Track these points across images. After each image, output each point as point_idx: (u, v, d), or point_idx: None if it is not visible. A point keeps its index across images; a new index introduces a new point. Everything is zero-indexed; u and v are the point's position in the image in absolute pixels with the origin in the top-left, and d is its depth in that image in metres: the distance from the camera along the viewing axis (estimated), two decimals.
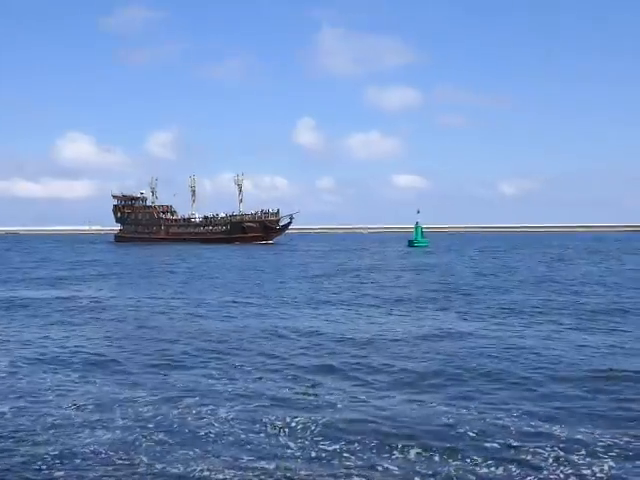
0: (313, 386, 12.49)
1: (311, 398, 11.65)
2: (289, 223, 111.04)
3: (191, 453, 9.04)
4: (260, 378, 13.16)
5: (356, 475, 8.29)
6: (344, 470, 8.43)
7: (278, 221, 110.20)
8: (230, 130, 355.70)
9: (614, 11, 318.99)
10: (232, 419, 10.49)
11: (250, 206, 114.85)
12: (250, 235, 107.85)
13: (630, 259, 56.86)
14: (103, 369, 14.14)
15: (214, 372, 13.71)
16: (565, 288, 31.05)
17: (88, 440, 9.52)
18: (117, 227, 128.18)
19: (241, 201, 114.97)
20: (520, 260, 56.76)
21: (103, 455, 8.99)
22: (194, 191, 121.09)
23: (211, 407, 11.14)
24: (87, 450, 9.16)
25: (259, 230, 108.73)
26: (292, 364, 14.37)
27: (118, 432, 9.88)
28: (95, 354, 15.72)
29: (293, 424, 10.17)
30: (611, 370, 13.51)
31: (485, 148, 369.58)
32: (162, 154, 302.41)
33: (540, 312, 22.28)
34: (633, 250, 75.72)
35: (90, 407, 11.22)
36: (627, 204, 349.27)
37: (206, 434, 9.78)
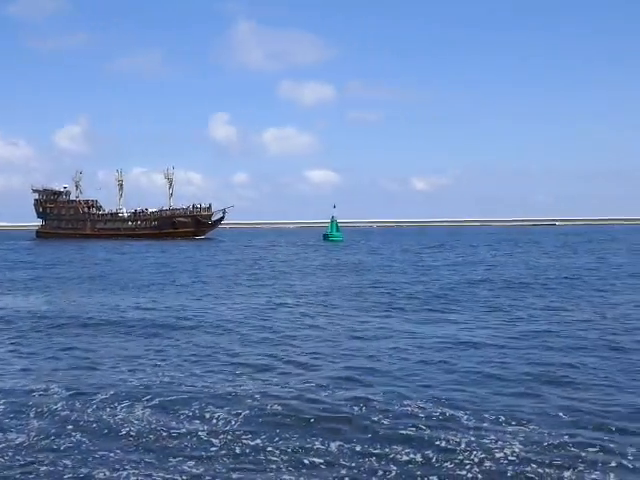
0: (229, 379, 12.31)
1: (229, 391, 11.46)
2: (222, 218, 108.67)
3: (113, 455, 8.66)
4: (173, 373, 12.87)
5: (285, 470, 8.19)
6: (273, 466, 8.30)
7: (210, 216, 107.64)
8: (142, 124, 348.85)
9: (529, 11, 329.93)
10: (150, 415, 10.17)
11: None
12: (181, 230, 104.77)
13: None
14: (12, 368, 13.54)
15: (125, 368, 13.35)
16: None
17: (2, 445, 9.00)
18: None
19: (171, 195, 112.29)
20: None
21: (21, 461, 8.47)
22: (121, 185, 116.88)
23: (127, 403, 10.79)
24: (3, 456, 8.63)
25: (191, 225, 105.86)
26: (204, 359, 14.20)
27: (33, 434, 9.38)
28: (6, 353, 15.14)
29: (214, 419, 9.98)
30: (509, 357, 14.14)
31: (398, 144, 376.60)
32: (71, 148, 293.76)
33: (443, 305, 23.04)
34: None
35: (1, 408, 10.66)
36: (534, 200, 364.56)
37: (126, 433, 9.43)
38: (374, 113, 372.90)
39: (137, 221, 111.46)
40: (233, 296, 25.88)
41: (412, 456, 8.55)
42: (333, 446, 8.94)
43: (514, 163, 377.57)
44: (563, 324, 18.13)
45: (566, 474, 7.94)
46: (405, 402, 10.80)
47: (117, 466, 8.36)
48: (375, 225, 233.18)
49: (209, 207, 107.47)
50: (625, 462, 8.26)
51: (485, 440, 9.02)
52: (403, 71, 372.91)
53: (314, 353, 14.75)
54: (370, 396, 11.11)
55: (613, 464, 8.20)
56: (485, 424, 9.70)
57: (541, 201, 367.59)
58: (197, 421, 9.98)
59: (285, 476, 8.09)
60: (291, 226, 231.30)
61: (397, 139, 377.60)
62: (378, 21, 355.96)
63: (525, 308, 21.49)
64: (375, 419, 9.94)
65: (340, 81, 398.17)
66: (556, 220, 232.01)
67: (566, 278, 31.88)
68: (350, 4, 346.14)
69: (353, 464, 8.37)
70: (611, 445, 8.79)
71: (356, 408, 10.48)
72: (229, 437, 9.30)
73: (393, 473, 8.11)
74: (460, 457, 8.50)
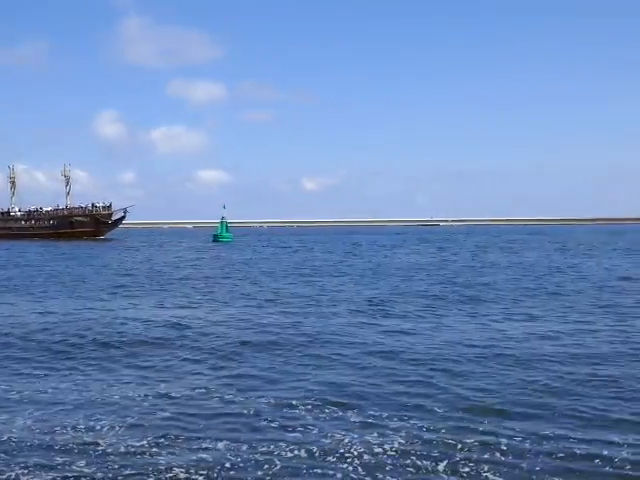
0: (114, 387, 12.45)
1: (114, 400, 11.61)
2: (122, 217, 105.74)
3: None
4: (53, 384, 12.81)
5: (174, 465, 8.61)
6: (162, 462, 8.71)
7: (110, 215, 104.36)
8: (23, 119, 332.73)
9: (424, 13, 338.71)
10: (32, 424, 10.21)
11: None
12: (80, 230, 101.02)
13: None
14: None
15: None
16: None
17: None
18: None
19: (68, 194, 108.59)
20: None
21: None
22: (14, 182, 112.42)
23: (5, 416, 10.71)
24: None
25: (90, 225, 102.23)
26: (83, 367, 14.18)
27: None
28: None
29: (98, 426, 10.17)
30: (391, 352, 14.93)
31: (288, 144, 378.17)
32: None
33: (331, 305, 23.47)
34: None
35: None
36: (419, 201, 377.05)
37: (8, 439, 9.52)
38: (265, 113, 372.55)
39: (31, 220, 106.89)
40: (115, 301, 25.40)
41: (296, 452, 9.12)
42: (220, 445, 9.39)
43: (401, 165, 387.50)
44: (448, 324, 18.92)
45: (441, 466, 8.63)
46: (293, 403, 11.33)
47: (3, 468, 8.54)
48: (266, 225, 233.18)
49: (109, 206, 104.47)
50: (498, 454, 9.03)
51: (368, 437, 9.66)
52: (294, 71, 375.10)
53: (198, 357, 15.06)
54: (258, 399, 11.60)
55: (486, 456, 8.96)
56: (369, 421, 10.37)
57: (425, 203, 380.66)
58: (81, 427, 10.18)
59: (175, 471, 8.49)
60: (189, 226, 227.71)
61: (288, 139, 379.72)
62: (270, 21, 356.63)
63: (404, 307, 22.14)
64: (263, 420, 10.47)
65: (231, 80, 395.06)
66: (440, 221, 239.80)
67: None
68: (242, 3, 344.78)
69: (239, 459, 8.87)
70: (486, 438, 9.59)
71: (244, 410, 10.96)
72: (114, 440, 9.59)
73: (277, 467, 8.66)
74: (342, 451, 9.12)
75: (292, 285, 31.05)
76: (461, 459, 8.79)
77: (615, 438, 9.44)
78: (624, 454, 8.88)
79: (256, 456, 8.92)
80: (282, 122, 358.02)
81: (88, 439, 9.55)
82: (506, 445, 9.24)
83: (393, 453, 9.01)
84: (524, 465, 8.60)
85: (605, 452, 8.93)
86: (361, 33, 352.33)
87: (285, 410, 10.89)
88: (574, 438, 9.45)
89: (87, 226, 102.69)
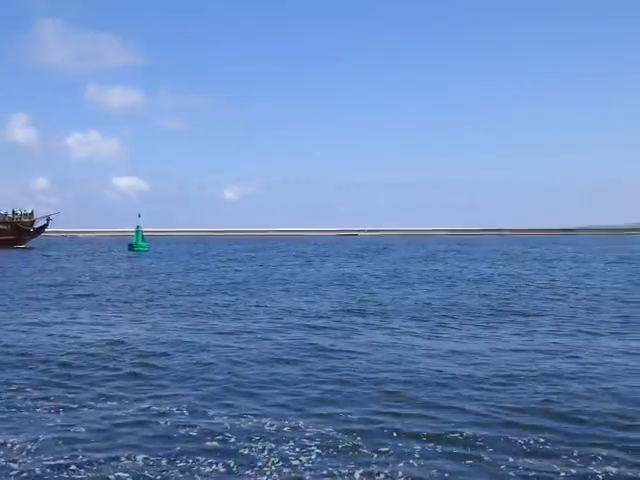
0: (19, 404, 12.16)
1: (24, 416, 11.41)
2: (46, 225, 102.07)
3: None
4: None
5: None
6: None
7: (33, 223, 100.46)
8: None
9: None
10: None
11: None
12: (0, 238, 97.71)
13: None
14: None
15: None
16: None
17: None
18: None
19: None
20: None
21: None
22: None
23: None
24: None
25: (10, 233, 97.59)
26: None
27: None
28: None
29: (9, 445, 9.98)
30: (310, 362, 15.15)
31: (207, 152, 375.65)
32: None
33: (237, 315, 23.83)
34: None
35: None
36: (339, 210, 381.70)
37: None
38: (184, 120, 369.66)
39: None
40: (28, 316, 24.48)
41: (215, 467, 9.21)
42: (139, 459, 9.41)
43: (318, 174, 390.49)
44: (362, 334, 19.40)
45: (357, 474, 8.88)
46: (210, 414, 11.44)
47: None
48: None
49: (31, 213, 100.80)
50: (412, 461, 9.36)
51: (285, 447, 9.85)
52: (212, 78, 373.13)
53: (113, 373, 14.81)
54: (176, 411, 11.64)
55: (401, 464, 9.25)
56: (285, 430, 10.57)
57: (344, 212, 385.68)
58: None
59: None
60: (105, 235, 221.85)
61: (207, 147, 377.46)
62: (189, 28, 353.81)
63: (331, 318, 22.67)
64: (181, 433, 10.52)
65: (149, 87, 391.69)
66: (359, 230, 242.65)
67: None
68: (161, 9, 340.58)
69: (158, 476, 8.89)
70: (399, 444, 9.93)
71: (162, 423, 10.99)
72: (28, 460, 9.45)
73: None
74: (259, 464, 9.28)
75: (210, 296, 30.82)
76: (376, 466, 9.06)
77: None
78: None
79: (175, 471, 8.98)
80: (200, 129, 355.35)
81: (1, 461, 9.35)
82: (419, 453, 9.57)
83: (310, 464, 9.20)
84: (434, 472, 8.93)
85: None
86: (282, 36, 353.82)
87: (202, 421, 10.97)
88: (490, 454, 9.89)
89: (7, 234, 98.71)
